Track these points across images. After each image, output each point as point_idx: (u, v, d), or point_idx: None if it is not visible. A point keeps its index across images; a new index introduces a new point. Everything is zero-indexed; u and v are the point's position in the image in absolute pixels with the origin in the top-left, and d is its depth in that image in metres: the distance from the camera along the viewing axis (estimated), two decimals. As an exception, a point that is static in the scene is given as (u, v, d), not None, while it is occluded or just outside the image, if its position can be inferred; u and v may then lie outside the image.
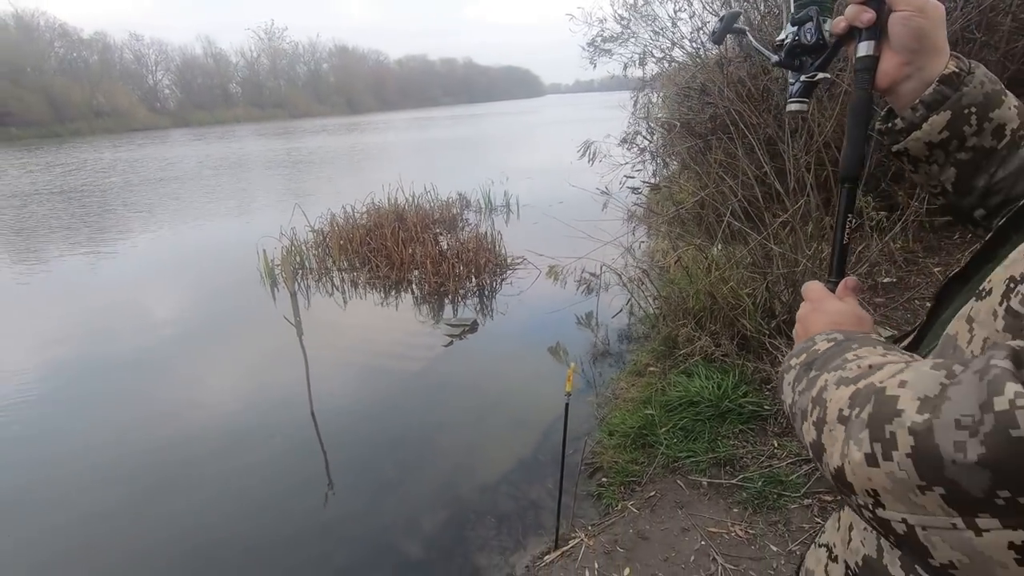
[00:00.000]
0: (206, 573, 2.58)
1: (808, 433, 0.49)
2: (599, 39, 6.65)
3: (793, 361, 0.59)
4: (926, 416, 0.37)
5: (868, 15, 0.63)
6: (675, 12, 5.06)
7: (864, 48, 0.64)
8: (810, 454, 0.49)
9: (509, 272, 6.15)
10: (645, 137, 5.65)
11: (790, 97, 0.75)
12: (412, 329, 5.00)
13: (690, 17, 5.04)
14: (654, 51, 6.07)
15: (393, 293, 5.92)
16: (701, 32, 5.10)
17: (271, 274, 6.31)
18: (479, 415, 3.61)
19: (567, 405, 2.29)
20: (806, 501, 2.32)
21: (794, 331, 0.70)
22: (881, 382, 0.43)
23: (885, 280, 3.85)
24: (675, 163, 6.61)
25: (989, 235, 0.57)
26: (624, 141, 5.71)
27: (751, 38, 0.84)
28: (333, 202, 8.15)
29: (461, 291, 5.72)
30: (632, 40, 6.32)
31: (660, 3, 5.42)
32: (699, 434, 2.71)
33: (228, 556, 2.64)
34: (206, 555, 2.65)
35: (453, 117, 51.79)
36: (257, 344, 5.04)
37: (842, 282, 0.70)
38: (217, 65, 75.71)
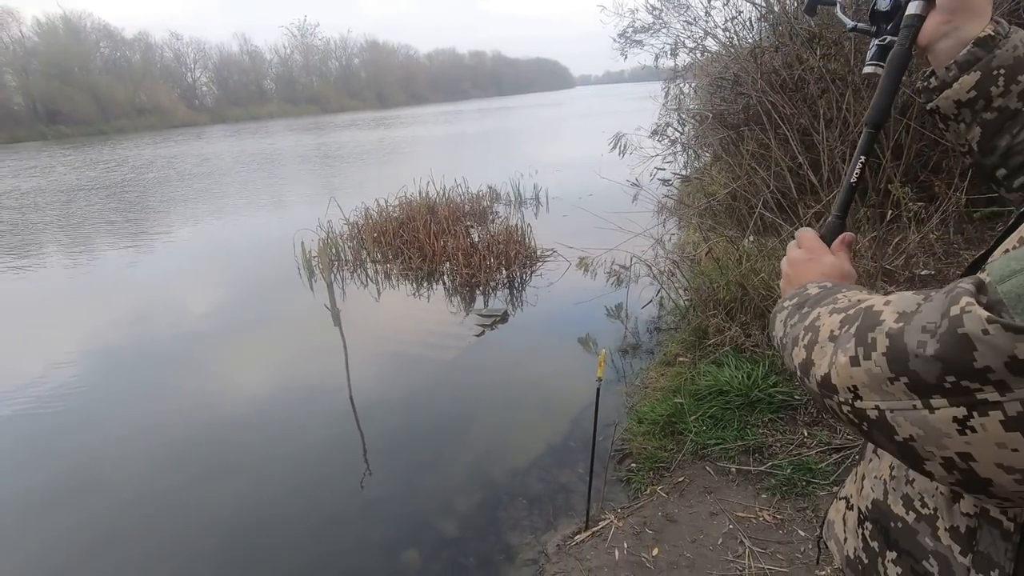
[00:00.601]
0: (251, 552, 2.73)
1: (797, 356, 0.58)
2: (630, 30, 6.63)
3: (786, 303, 0.68)
4: (900, 324, 0.46)
5: None
6: (708, 1, 5.02)
7: (914, 7, 0.69)
8: (797, 375, 0.59)
9: (539, 264, 6.22)
10: (676, 129, 5.63)
11: (866, 61, 0.79)
12: (444, 319, 5.12)
13: (723, 5, 5.00)
14: (686, 41, 6.04)
15: (425, 284, 6.06)
16: (735, 21, 5.06)
17: (308, 265, 6.52)
18: (510, 403, 3.71)
19: (598, 390, 2.36)
20: (835, 488, 2.34)
21: (783, 269, 0.78)
22: (869, 304, 0.52)
23: (923, 272, 3.78)
24: (707, 154, 6.57)
25: (1011, 221, 0.61)
26: (655, 133, 5.70)
27: (839, 7, 0.86)
28: (365, 195, 8.34)
29: (492, 283, 5.81)
30: (664, 30, 6.29)
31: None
32: (728, 422, 2.74)
33: (272, 535, 2.80)
34: (251, 535, 2.81)
35: (482, 110, 51.86)
36: (296, 333, 5.24)
37: (840, 237, 0.76)
38: (252, 62, 77.40)
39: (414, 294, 5.89)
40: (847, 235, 0.76)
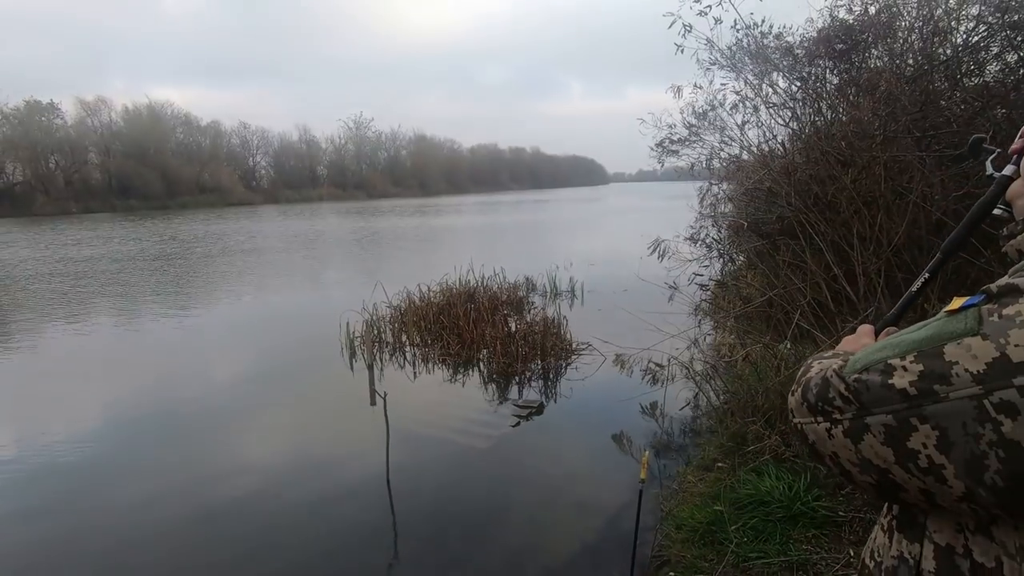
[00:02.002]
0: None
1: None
2: (667, 141, 7.10)
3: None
4: (815, 375, 0.71)
5: (1017, 145, 0.80)
6: (742, 123, 5.41)
7: (1010, 169, 0.82)
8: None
9: (574, 357, 6.31)
10: (713, 237, 5.87)
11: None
12: (480, 407, 5.19)
13: (757, 126, 5.37)
14: (720, 153, 6.43)
15: (462, 370, 6.19)
16: (770, 143, 5.41)
17: (350, 345, 6.76)
18: (545, 497, 3.69)
19: (640, 492, 2.39)
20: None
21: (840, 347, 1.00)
22: (812, 362, 0.78)
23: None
24: (741, 258, 6.75)
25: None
26: (692, 239, 5.94)
27: (990, 160, 0.93)
28: (406, 279, 8.71)
29: (527, 372, 5.91)
30: (699, 143, 6.73)
31: (729, 113, 5.80)
32: (770, 535, 2.69)
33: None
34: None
35: (519, 202, 54.07)
36: (334, 412, 5.37)
37: (885, 330, 0.93)
38: (309, 150, 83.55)
39: (451, 379, 6.01)
40: (890, 328, 0.93)
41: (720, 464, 3.42)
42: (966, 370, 0.53)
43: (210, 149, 68.17)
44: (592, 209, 41.23)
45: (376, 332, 7.03)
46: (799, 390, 0.73)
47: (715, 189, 7.53)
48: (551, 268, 10.34)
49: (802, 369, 0.79)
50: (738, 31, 5.34)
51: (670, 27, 4.85)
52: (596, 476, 3.96)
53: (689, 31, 4.90)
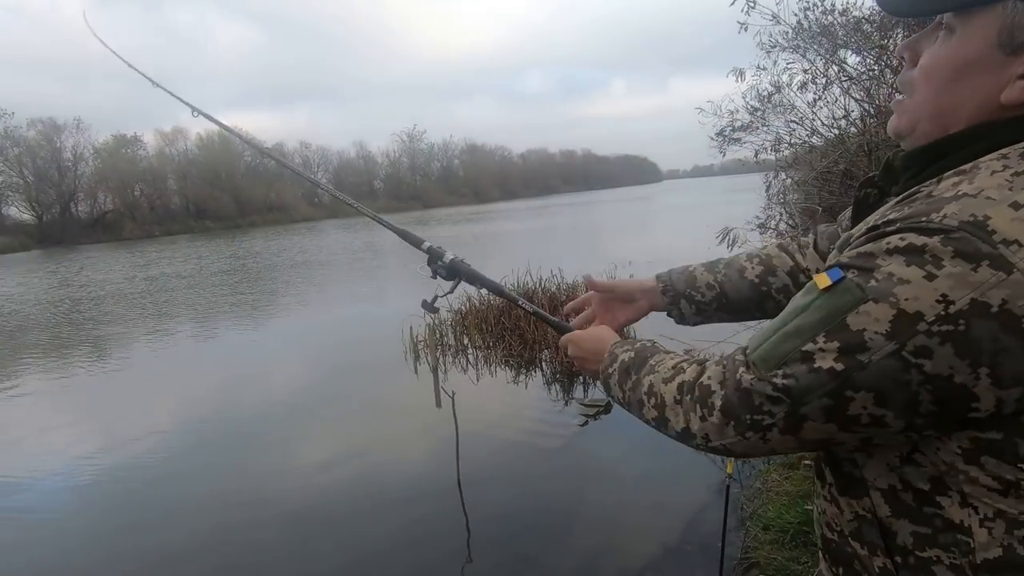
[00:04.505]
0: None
1: (649, 412, 0.80)
2: (728, 129, 6.82)
3: (610, 370, 0.90)
4: (723, 391, 0.68)
5: None
6: (814, 101, 5.11)
7: None
8: (652, 425, 0.80)
9: (640, 354, 6.15)
10: (786, 222, 5.57)
11: None
12: (545, 407, 5.14)
13: (830, 104, 5.06)
14: (787, 137, 6.10)
15: (525, 371, 6.16)
16: (840, 122, 5.09)
17: (414, 349, 6.87)
18: (619, 497, 3.59)
19: (728, 487, 2.26)
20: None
21: (576, 363, 1.04)
22: (696, 378, 0.73)
23: None
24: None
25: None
26: (762, 226, 5.67)
27: None
28: (465, 285, 8.78)
29: (591, 372, 5.80)
30: (763, 129, 6.42)
31: (797, 94, 5.50)
32: (871, 537, 2.48)
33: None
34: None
35: (572, 204, 53.81)
36: (402, 414, 5.45)
37: (587, 279, 1.16)
38: (366, 165, 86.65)
39: (514, 380, 5.99)
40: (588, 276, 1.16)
41: (807, 462, 3.20)
42: (876, 332, 0.58)
43: (275, 170, 71.79)
44: (647, 207, 40.42)
45: (439, 335, 7.11)
46: (708, 414, 0.69)
47: (782, 175, 7.17)
48: (609, 267, 10.14)
49: (657, 399, 0.77)
50: (800, 11, 5.08)
51: (732, 4, 4.66)
52: (670, 476, 3.81)
53: (753, 7, 4.68)
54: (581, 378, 5.70)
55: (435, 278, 1.25)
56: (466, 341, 7.13)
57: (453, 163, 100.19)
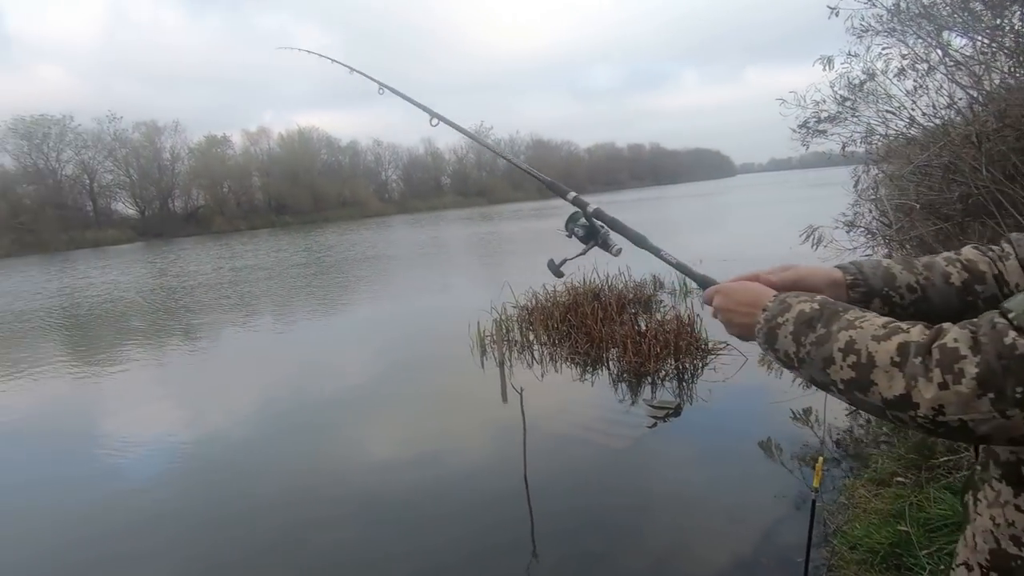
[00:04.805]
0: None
1: (840, 372, 0.70)
2: (813, 121, 6.42)
3: (779, 319, 0.79)
4: (977, 356, 0.60)
5: None
6: (914, 89, 4.72)
7: None
8: (837, 387, 0.71)
9: (711, 357, 5.94)
10: (879, 220, 5.18)
11: None
12: (612, 406, 5.06)
13: (932, 92, 4.65)
14: (879, 128, 5.66)
15: (591, 369, 6.09)
16: (942, 112, 4.66)
17: (481, 344, 6.96)
18: (690, 502, 3.49)
19: (814, 502, 2.14)
20: None
21: (722, 315, 0.93)
22: (931, 339, 0.65)
23: None
24: (910, 247, 5.90)
25: None
26: (850, 224, 5.30)
27: None
28: (531, 280, 8.79)
29: (660, 372, 5.66)
30: (852, 120, 5.99)
31: (893, 81, 5.09)
32: (975, 566, 2.27)
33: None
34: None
35: (639, 200, 52.63)
36: (469, 408, 5.55)
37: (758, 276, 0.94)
38: (434, 161, 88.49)
39: (580, 378, 5.94)
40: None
41: (900, 479, 2.98)
42: None
43: (349, 167, 74.87)
44: (719, 202, 38.92)
45: (505, 331, 7.17)
46: (954, 381, 0.61)
47: (873, 170, 6.67)
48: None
49: (860, 357, 0.68)
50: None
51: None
52: (744, 484, 3.66)
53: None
54: (649, 379, 5.58)
55: (571, 238, 1.25)
56: (532, 337, 7.15)
57: (519, 158, 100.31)
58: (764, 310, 0.83)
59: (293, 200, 62.55)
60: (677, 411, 4.74)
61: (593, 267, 8.52)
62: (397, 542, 3.39)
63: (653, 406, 4.81)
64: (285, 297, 13.17)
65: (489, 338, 7.03)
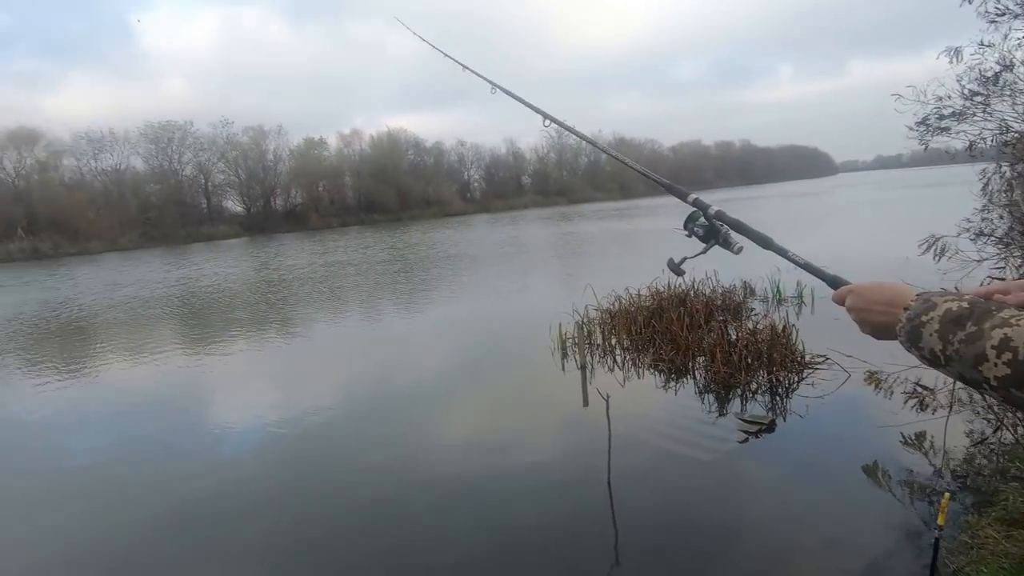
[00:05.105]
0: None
1: (995, 370, 0.69)
2: (934, 117, 5.84)
3: (924, 318, 0.79)
4: None
5: None
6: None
7: None
8: (990, 384, 0.70)
9: (808, 371, 5.58)
10: (1019, 229, 4.64)
11: None
12: (698, 416, 4.89)
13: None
14: (1016, 124, 5.05)
15: (675, 377, 5.91)
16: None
17: (562, 346, 6.95)
18: (783, 525, 3.30)
19: (937, 540, 1.96)
20: None
21: (856, 314, 0.95)
22: None
23: None
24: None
25: None
26: (979, 233, 4.78)
27: None
28: (612, 283, 8.65)
29: (751, 385, 5.40)
30: (984, 115, 5.39)
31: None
32: None
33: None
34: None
35: (727, 200, 50.35)
36: (548, 409, 5.55)
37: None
38: (515, 161, 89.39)
39: (664, 386, 5.79)
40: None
41: (1037, 521, 2.65)
42: None
43: (434, 167, 77.27)
44: (816, 203, 36.41)
45: (587, 334, 7.11)
46: None
47: (1005, 169, 5.97)
48: (772, 271, 9.34)
49: (1017, 355, 0.67)
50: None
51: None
52: (846, 511, 3.41)
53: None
54: (739, 391, 5.33)
55: (690, 237, 1.27)
56: (614, 342, 7.05)
57: (600, 157, 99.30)
58: (906, 309, 0.84)
59: (381, 199, 65.58)
60: (770, 427, 4.50)
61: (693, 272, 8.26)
62: (477, 537, 3.46)
63: (744, 420, 4.59)
64: (371, 292, 13.81)
65: (570, 341, 7.01)
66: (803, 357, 5.76)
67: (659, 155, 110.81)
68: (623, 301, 7.70)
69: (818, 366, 5.65)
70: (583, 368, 5.75)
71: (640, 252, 17.25)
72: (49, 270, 31.66)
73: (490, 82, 1.89)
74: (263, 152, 66.31)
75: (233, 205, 65.91)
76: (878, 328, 0.91)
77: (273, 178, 66.63)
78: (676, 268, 1.28)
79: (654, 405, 5.33)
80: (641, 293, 7.72)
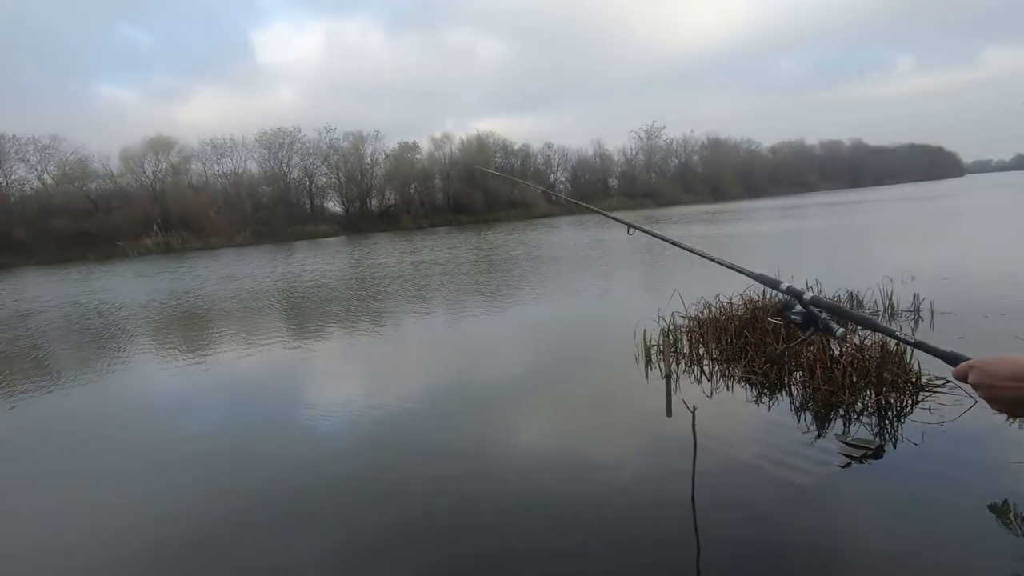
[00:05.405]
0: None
1: None
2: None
3: None
4: None
5: None
6: None
7: None
8: None
9: (925, 394, 5.03)
10: None
11: None
12: (794, 437, 4.55)
13: None
14: None
15: (768, 393, 5.55)
16: None
17: (646, 352, 6.75)
18: (891, 560, 2.98)
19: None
20: None
21: (982, 392, 0.89)
22: None
23: None
24: None
25: None
26: None
27: None
28: (700, 290, 8.28)
29: (856, 405, 4.95)
30: None
31: None
32: None
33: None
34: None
35: (832, 204, 46.81)
36: (630, 417, 5.41)
37: None
38: (602, 163, 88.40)
39: (755, 400, 5.45)
40: None
41: None
42: None
43: (520, 169, 78.09)
44: (941, 208, 32.85)
45: (673, 342, 6.86)
46: None
47: None
48: (883, 282, 8.54)
49: None
50: None
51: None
52: (964, 553, 3.03)
53: None
54: (841, 411, 4.91)
55: (788, 326, 1.22)
56: (702, 351, 6.74)
57: (692, 159, 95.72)
58: None
59: (468, 200, 67.36)
60: (877, 453, 4.09)
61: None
62: (550, 542, 3.42)
63: (847, 443, 4.21)
64: (456, 292, 14.15)
65: (655, 348, 6.79)
66: (919, 378, 5.20)
67: (757, 156, 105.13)
68: (713, 309, 7.35)
69: (937, 389, 5.09)
70: (668, 376, 5.53)
71: (731, 258, 16.38)
72: (177, 262, 35.41)
73: (628, 224, 1.85)
74: (361, 156, 70.35)
75: (333, 206, 70.55)
76: (1010, 404, 0.88)
77: (369, 180, 70.53)
78: (779, 359, 1.24)
79: (744, 420, 5.04)
80: (733, 302, 7.33)
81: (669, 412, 5.27)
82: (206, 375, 8.06)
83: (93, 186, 57.49)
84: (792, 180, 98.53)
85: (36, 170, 56.87)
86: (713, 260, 1.48)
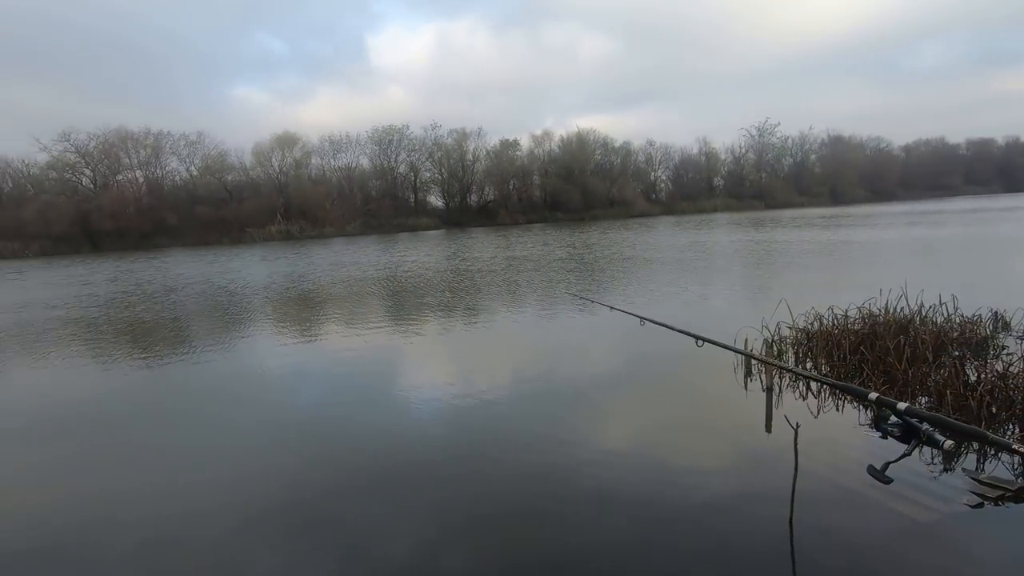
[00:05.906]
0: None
1: None
2: None
3: None
4: None
5: None
6: None
7: None
8: None
9: (1086, 433, 4.32)
10: None
11: None
12: (914, 467, 4.09)
13: None
14: None
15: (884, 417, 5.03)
16: None
17: (746, 363, 6.38)
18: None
19: None
20: None
21: None
22: None
23: None
24: None
25: None
26: None
27: None
28: (811, 300, 7.67)
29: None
30: None
31: None
32: None
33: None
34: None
35: (976, 210, 41.39)
36: (726, 430, 5.13)
37: None
38: (707, 161, 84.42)
39: (868, 424, 4.96)
40: None
41: None
42: None
43: (620, 167, 76.68)
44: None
45: (777, 353, 6.42)
46: None
47: None
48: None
49: None
50: None
51: None
52: None
53: None
54: (974, 446, 4.34)
55: (885, 439, 1.12)
56: (809, 366, 6.25)
57: (808, 158, 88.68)
58: None
59: (565, 198, 67.30)
60: (1018, 496, 3.58)
61: (901, 292, 7.02)
62: (632, 540, 3.34)
63: (980, 480, 3.72)
64: (546, 287, 14.19)
65: (755, 361, 6.39)
66: (1079, 415, 4.47)
67: (886, 155, 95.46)
68: (825, 322, 6.78)
69: (1103, 429, 4.35)
70: (769, 390, 5.17)
71: (849, 267, 15.02)
72: (294, 249, 38.63)
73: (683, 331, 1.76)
74: (463, 152, 72.59)
75: (435, 200, 73.59)
76: None
77: (470, 176, 72.68)
78: (881, 476, 1.10)
79: (853, 444, 4.61)
80: (849, 314, 6.72)
81: (769, 427, 4.94)
82: (313, 353, 8.73)
83: (229, 178, 64.82)
84: (929, 183, 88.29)
85: (185, 163, 65.21)
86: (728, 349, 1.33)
